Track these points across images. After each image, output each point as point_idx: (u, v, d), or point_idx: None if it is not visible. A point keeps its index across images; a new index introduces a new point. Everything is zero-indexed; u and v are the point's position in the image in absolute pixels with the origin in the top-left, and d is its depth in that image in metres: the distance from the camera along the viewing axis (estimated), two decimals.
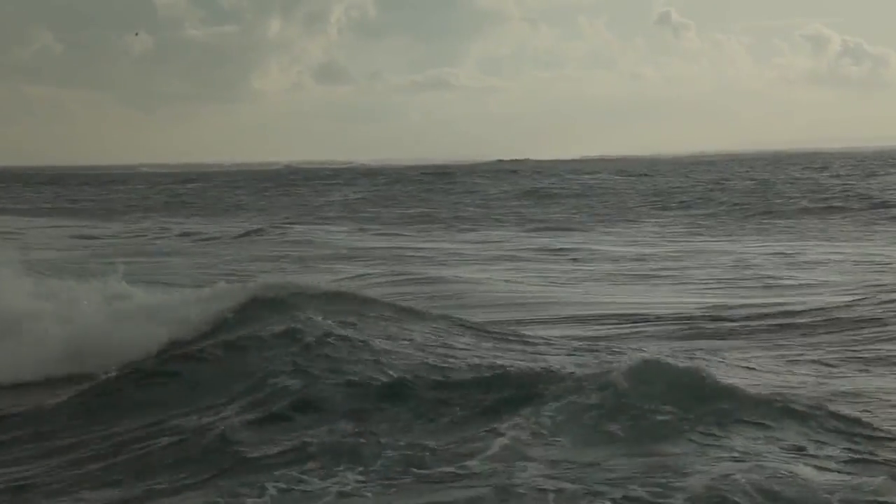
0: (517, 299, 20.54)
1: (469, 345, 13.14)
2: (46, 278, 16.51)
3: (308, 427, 9.50)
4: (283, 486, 8.01)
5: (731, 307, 18.84)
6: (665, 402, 9.20)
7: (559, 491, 7.57)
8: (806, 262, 27.71)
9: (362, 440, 8.96)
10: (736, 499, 7.26)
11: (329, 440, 9.00)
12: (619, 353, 12.64)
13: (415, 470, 8.25)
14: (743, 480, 7.52)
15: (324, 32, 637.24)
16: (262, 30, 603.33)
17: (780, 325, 16.75)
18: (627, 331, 16.58)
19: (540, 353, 12.77)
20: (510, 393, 10.00)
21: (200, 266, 28.61)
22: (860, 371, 12.97)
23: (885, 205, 48.80)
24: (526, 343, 13.61)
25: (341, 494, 7.81)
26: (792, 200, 55.05)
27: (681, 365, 10.25)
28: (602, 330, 16.69)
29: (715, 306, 19.05)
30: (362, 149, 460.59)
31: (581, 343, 14.07)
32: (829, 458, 8.37)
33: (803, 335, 15.87)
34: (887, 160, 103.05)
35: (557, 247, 33.86)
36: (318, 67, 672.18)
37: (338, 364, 11.43)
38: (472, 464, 8.25)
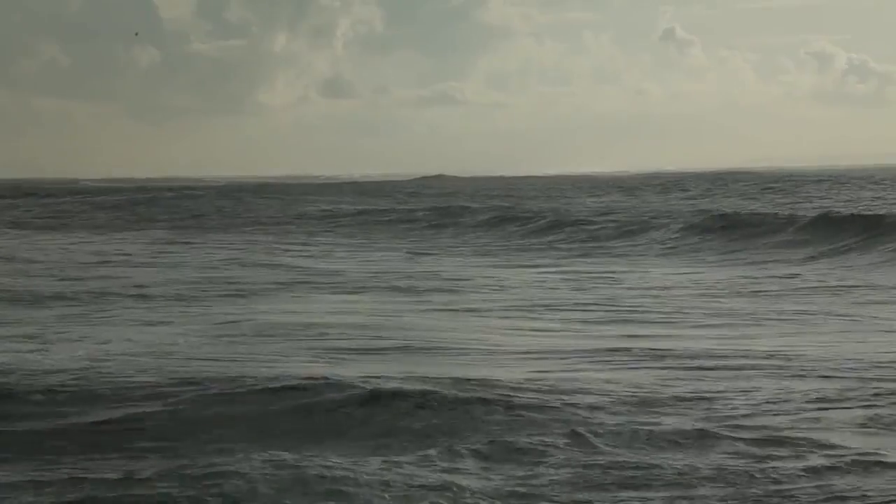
0: None
1: None
2: None
3: None
4: None
5: None
6: None
7: None
8: None
9: None
10: None
11: None
12: None
13: None
14: None
15: (330, 47, 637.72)
16: (269, 44, 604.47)
17: None
18: None
19: None
20: None
21: None
22: None
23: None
24: None
25: None
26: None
27: None
28: None
29: None
30: (367, 163, 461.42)
31: None
32: None
33: None
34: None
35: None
36: (323, 82, 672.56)
37: None
38: None
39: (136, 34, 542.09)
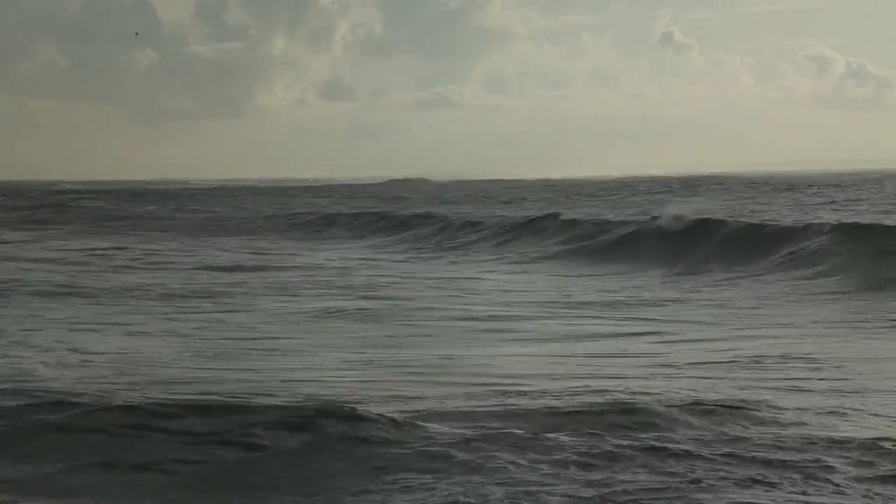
0: None
1: None
2: None
3: None
4: None
5: None
6: None
7: None
8: None
9: None
10: None
11: None
12: None
13: None
14: None
15: (328, 49, 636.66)
16: (267, 46, 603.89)
17: None
18: None
19: None
20: None
21: None
22: None
23: None
24: None
25: None
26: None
27: None
28: None
29: None
30: (365, 165, 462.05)
31: None
32: None
33: None
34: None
35: None
36: (322, 84, 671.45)
37: None
38: None
39: (137, 34, 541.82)
